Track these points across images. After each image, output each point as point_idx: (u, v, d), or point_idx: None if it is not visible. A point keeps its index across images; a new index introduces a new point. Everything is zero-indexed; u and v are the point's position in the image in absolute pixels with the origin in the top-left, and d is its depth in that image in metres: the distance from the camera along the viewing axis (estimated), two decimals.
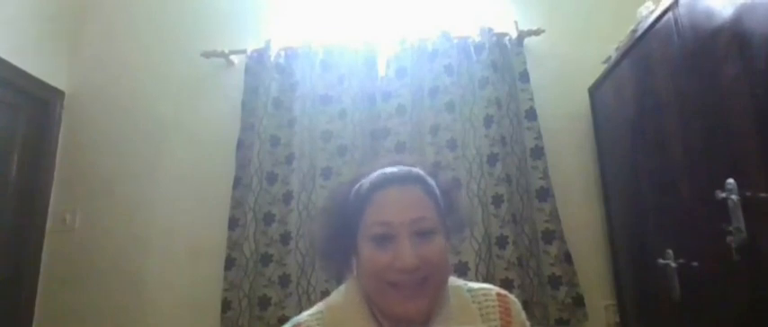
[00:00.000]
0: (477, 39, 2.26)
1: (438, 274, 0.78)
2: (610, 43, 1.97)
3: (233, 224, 2.12)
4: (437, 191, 0.83)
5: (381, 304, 0.78)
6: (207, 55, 2.37)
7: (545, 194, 2.07)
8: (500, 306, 0.86)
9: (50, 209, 2.33)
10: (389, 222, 0.77)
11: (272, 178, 2.15)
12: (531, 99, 2.18)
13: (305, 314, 0.85)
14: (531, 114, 2.16)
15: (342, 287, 0.87)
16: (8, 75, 2.12)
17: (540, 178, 2.09)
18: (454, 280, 0.88)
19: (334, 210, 0.87)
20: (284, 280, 2.02)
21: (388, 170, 0.83)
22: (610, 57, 1.99)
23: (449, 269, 0.83)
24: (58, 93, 2.42)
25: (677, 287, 1.44)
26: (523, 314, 0.89)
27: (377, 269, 0.76)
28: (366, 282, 0.80)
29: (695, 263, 1.38)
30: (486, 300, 0.87)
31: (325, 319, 0.83)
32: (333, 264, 0.90)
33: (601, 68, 2.06)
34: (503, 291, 0.90)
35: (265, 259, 2.05)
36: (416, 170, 0.84)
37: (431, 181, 0.83)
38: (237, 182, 2.17)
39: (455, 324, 0.80)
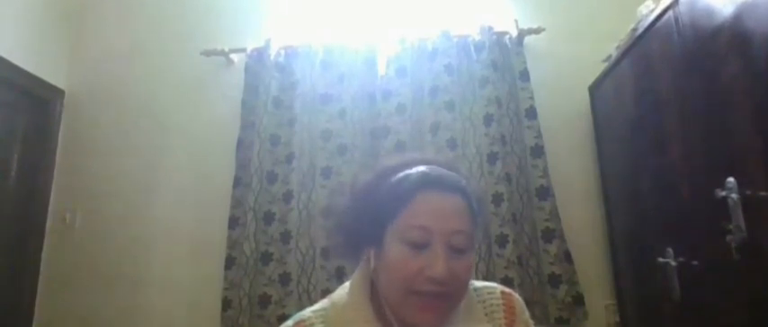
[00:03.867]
0: (477, 37, 2.25)
1: (460, 292, 0.77)
2: (610, 42, 1.97)
3: (233, 223, 2.12)
4: (476, 206, 0.81)
5: (395, 307, 0.77)
6: (207, 53, 2.37)
7: (545, 193, 2.07)
8: (504, 305, 0.86)
9: (50, 209, 2.33)
10: (429, 228, 0.74)
11: (272, 177, 2.15)
12: (531, 97, 2.18)
13: (308, 311, 0.84)
14: (531, 113, 2.16)
15: (347, 284, 0.86)
16: (8, 73, 2.12)
17: (540, 177, 2.09)
18: None
19: (362, 201, 0.82)
20: (284, 279, 2.02)
21: (435, 171, 0.79)
22: (610, 56, 1.99)
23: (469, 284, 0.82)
24: (58, 92, 2.42)
25: (677, 285, 1.44)
26: (527, 313, 0.88)
27: (405, 274, 0.74)
28: (386, 282, 0.78)
29: (695, 262, 1.38)
30: (491, 298, 0.86)
31: (328, 316, 0.81)
32: (345, 254, 0.87)
33: (601, 67, 2.06)
34: (507, 289, 0.90)
35: (265, 258, 2.05)
36: (462, 179, 0.82)
37: (472, 194, 0.81)
38: (237, 181, 2.17)
39: (459, 322, 0.80)
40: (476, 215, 0.80)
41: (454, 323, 0.79)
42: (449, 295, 0.74)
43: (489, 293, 0.87)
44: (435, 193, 0.77)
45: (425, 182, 0.77)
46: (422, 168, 0.80)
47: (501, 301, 0.87)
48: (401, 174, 0.79)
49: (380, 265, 0.78)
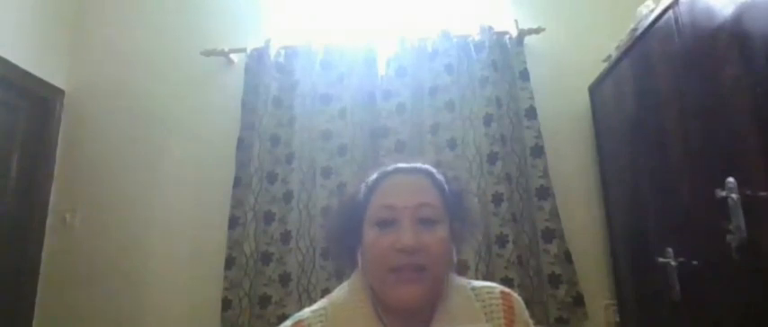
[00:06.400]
0: (477, 37, 2.25)
1: (437, 265, 0.78)
2: (610, 41, 1.97)
3: (233, 223, 2.12)
4: (445, 186, 0.85)
5: (379, 291, 0.79)
6: (207, 53, 2.37)
7: (545, 193, 2.07)
8: (504, 305, 0.86)
9: (50, 209, 2.32)
10: (393, 205, 0.78)
11: (272, 177, 2.15)
12: (531, 97, 2.17)
13: (307, 311, 0.85)
14: (531, 113, 2.16)
15: (346, 284, 0.87)
16: (8, 73, 2.12)
17: (540, 177, 2.09)
18: (458, 279, 0.88)
19: (344, 204, 0.90)
20: (284, 279, 2.02)
21: (399, 164, 0.88)
22: (610, 56, 1.99)
23: (450, 262, 0.83)
24: (58, 92, 2.42)
25: (677, 285, 1.44)
26: (527, 313, 0.88)
27: (379, 252, 0.77)
28: (368, 269, 0.81)
29: (695, 262, 1.38)
30: (490, 298, 0.86)
31: (327, 316, 0.82)
32: (341, 259, 0.90)
33: (601, 67, 2.06)
34: (507, 289, 0.90)
35: (266, 258, 2.05)
36: (426, 165, 0.87)
37: (440, 176, 0.86)
38: (238, 181, 2.17)
39: (458, 322, 0.80)
40: (445, 193, 0.84)
41: (453, 323, 0.80)
42: (422, 267, 0.76)
43: (488, 293, 0.87)
44: (398, 176, 0.84)
45: (389, 171, 0.85)
46: (391, 165, 0.87)
47: (500, 301, 0.86)
48: (373, 174, 0.87)
49: (363, 256, 0.81)
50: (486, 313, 0.84)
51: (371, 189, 0.84)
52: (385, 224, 0.78)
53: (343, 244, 0.87)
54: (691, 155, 1.40)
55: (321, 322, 0.82)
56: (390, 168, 0.86)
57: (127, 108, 2.42)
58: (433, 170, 0.87)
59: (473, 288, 0.87)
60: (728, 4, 1.20)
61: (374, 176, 0.85)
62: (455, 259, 0.84)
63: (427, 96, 2.17)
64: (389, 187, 0.82)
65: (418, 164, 0.87)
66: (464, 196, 0.90)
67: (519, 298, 0.89)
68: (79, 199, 2.33)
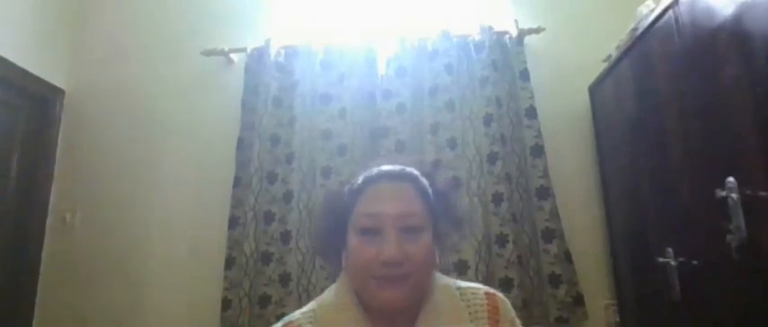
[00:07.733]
0: (477, 37, 2.25)
1: (421, 272, 0.79)
2: (610, 41, 1.97)
3: (233, 223, 2.12)
4: (430, 191, 0.85)
5: (363, 294, 0.80)
6: (207, 53, 2.37)
7: (545, 193, 2.07)
8: (488, 305, 0.86)
9: (50, 209, 2.32)
10: (377, 214, 0.79)
11: (272, 177, 2.15)
12: (531, 97, 2.17)
13: (297, 313, 0.86)
14: (531, 113, 2.16)
15: (333, 285, 0.88)
16: (8, 73, 2.12)
17: (540, 176, 2.09)
18: (443, 279, 0.89)
19: (329, 206, 0.90)
20: (284, 279, 2.02)
21: (383, 167, 0.86)
22: (610, 56, 1.99)
23: (434, 264, 0.84)
24: (58, 92, 2.42)
25: (677, 285, 1.44)
26: (513, 313, 0.88)
27: (362, 261, 0.77)
28: (352, 274, 0.82)
29: (695, 262, 1.38)
30: (475, 299, 0.87)
31: (316, 317, 0.84)
32: (328, 259, 0.91)
33: (601, 67, 2.06)
34: (492, 290, 0.90)
35: (266, 258, 2.05)
36: (410, 169, 0.87)
37: (424, 180, 0.86)
38: (238, 181, 2.17)
39: (442, 322, 0.81)
40: (429, 199, 0.84)
41: (437, 323, 0.80)
42: (407, 275, 0.76)
43: (473, 294, 0.88)
44: (383, 183, 0.83)
45: (374, 176, 0.85)
46: (375, 168, 0.86)
47: (485, 301, 0.87)
48: (350, 182, 0.87)
49: (346, 261, 0.82)
50: (470, 314, 0.84)
51: (356, 193, 0.83)
52: (368, 232, 0.78)
53: (329, 246, 0.88)
54: (691, 155, 1.40)
55: (310, 323, 0.83)
56: (375, 172, 0.85)
57: (127, 108, 2.42)
58: (417, 173, 0.86)
59: (458, 288, 0.88)
60: (728, 4, 1.20)
61: (359, 181, 0.85)
62: (438, 260, 0.85)
63: (427, 96, 2.17)
64: (373, 194, 0.82)
65: (403, 168, 0.86)
66: (449, 195, 0.90)
67: (504, 299, 0.90)
68: (79, 199, 2.33)
